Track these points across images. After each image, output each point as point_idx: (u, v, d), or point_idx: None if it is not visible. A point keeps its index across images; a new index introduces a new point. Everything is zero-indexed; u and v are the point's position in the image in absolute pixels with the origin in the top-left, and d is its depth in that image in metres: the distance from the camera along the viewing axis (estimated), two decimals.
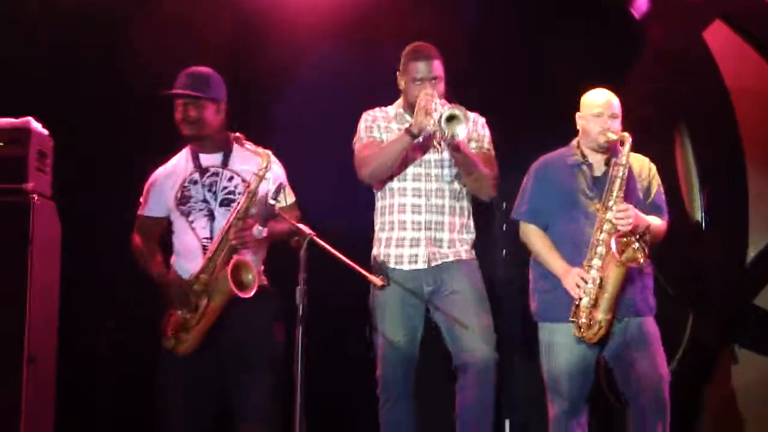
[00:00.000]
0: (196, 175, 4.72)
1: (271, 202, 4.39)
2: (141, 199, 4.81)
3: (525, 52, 6.19)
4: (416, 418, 4.77)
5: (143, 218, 4.80)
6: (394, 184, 4.78)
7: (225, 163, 4.73)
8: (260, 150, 4.61)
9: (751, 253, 6.38)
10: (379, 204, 4.86)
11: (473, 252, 4.83)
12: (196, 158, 4.75)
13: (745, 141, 6.39)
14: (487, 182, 4.75)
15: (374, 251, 4.83)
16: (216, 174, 4.71)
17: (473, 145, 4.77)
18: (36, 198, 5.06)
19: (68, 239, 5.30)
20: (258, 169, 4.57)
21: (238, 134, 4.63)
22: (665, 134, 6.28)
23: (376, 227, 4.87)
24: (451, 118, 4.45)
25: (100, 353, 5.86)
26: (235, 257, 4.49)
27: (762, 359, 6.23)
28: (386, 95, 4.94)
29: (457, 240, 4.76)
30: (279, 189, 4.45)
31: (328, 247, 4.23)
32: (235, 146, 4.73)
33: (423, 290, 4.71)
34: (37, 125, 5.22)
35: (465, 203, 4.84)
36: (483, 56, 6.11)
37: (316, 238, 4.23)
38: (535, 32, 6.19)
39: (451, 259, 4.73)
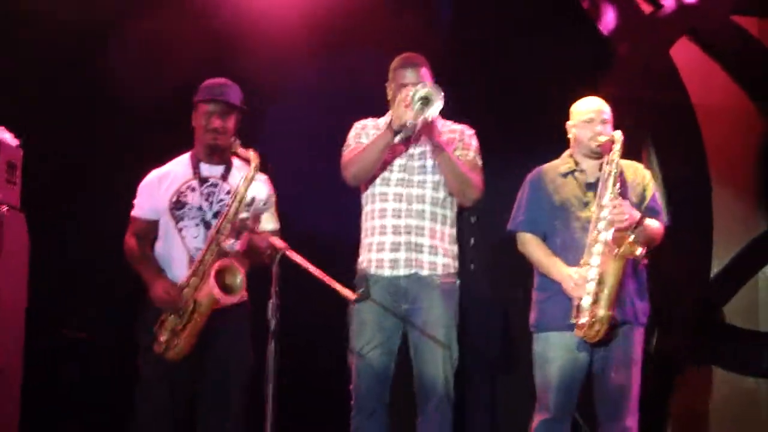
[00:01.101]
0: (195, 183, 4.69)
1: (243, 215, 4.37)
2: (135, 201, 4.75)
3: (500, 64, 6.22)
4: None
5: (137, 220, 4.74)
6: (377, 189, 4.78)
7: (225, 177, 4.72)
8: (250, 153, 4.56)
9: (716, 268, 6.45)
10: (364, 210, 4.86)
11: (455, 265, 4.80)
12: (196, 166, 4.72)
13: (710, 156, 6.47)
14: (470, 184, 4.71)
15: (360, 258, 4.82)
16: (215, 185, 4.69)
17: (458, 152, 4.76)
18: (4, 209, 5.02)
19: (37, 250, 5.25)
20: (247, 172, 4.55)
21: (234, 138, 4.60)
22: (631, 149, 6.26)
23: (362, 234, 4.86)
24: (425, 102, 4.46)
25: (68, 366, 5.80)
26: (220, 260, 4.45)
27: (726, 374, 6.29)
28: (370, 102, 4.94)
29: (439, 247, 4.73)
30: (251, 202, 4.43)
31: (301, 261, 4.21)
32: (235, 161, 4.72)
33: (401, 306, 4.69)
34: (7, 136, 5.18)
35: (448, 212, 4.81)
36: (458, 69, 6.13)
37: (288, 253, 4.19)
38: (511, 42, 6.23)
39: (426, 271, 4.70)
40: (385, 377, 4.70)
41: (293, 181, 5.16)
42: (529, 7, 6.26)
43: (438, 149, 4.64)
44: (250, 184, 4.53)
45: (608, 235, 4.46)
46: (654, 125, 6.44)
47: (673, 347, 6.24)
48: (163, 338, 4.48)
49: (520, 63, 6.13)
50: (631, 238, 4.43)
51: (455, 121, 4.89)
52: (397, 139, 4.64)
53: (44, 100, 5.87)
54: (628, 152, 6.00)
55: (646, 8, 6.57)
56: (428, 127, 4.58)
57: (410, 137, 4.70)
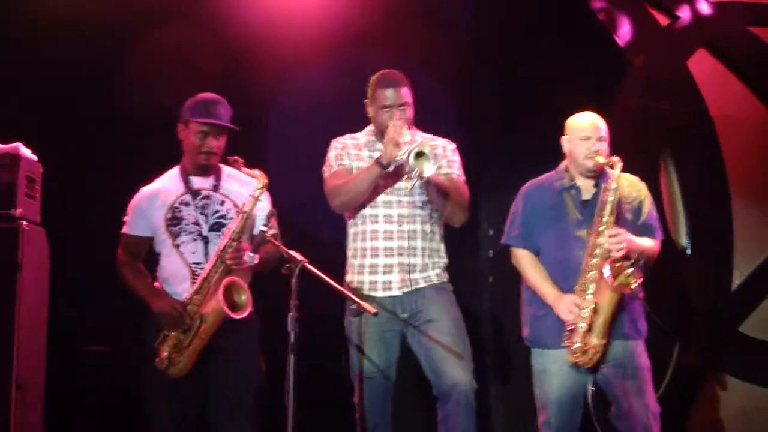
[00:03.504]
0: (188, 197, 4.68)
1: (262, 228, 4.39)
2: (125, 218, 4.74)
3: (514, 74, 6.22)
4: None
5: (129, 237, 4.72)
6: (366, 210, 4.78)
7: (216, 187, 4.71)
8: (256, 172, 4.58)
9: (737, 280, 6.42)
10: (351, 230, 4.86)
11: (446, 275, 4.82)
12: (186, 180, 4.71)
13: (728, 167, 6.43)
14: (459, 209, 4.76)
15: (348, 278, 4.82)
16: (207, 197, 4.69)
17: (443, 171, 4.77)
18: (24, 224, 5.06)
19: (57, 265, 5.28)
20: (254, 190, 4.56)
21: (236, 158, 4.59)
22: (650, 161, 6.30)
23: (349, 253, 4.86)
24: (419, 155, 4.45)
25: (88, 378, 5.82)
26: (228, 278, 4.46)
27: (747, 386, 6.25)
28: None
29: (429, 263, 4.76)
30: (269, 216, 4.45)
31: (320, 274, 4.22)
32: (224, 169, 4.72)
33: (399, 317, 4.70)
34: (26, 151, 5.22)
35: (436, 227, 4.83)
36: (471, 78, 6.15)
37: (308, 265, 4.21)
38: (525, 53, 6.23)
39: (422, 285, 4.73)
40: (388, 391, 4.72)
41: (301, 189, 5.18)
42: (544, 18, 6.26)
43: (437, 195, 4.68)
44: (256, 203, 4.55)
45: (606, 266, 4.43)
46: (672, 137, 6.42)
47: (694, 359, 6.21)
48: (164, 354, 4.46)
49: (535, 74, 6.13)
50: (629, 271, 4.44)
51: (435, 134, 4.89)
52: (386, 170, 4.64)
53: (62, 113, 5.91)
54: (644, 165, 6.08)
55: (663, 20, 6.56)
56: (427, 180, 4.57)
57: (400, 167, 4.66)
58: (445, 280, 4.81)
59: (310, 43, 6.08)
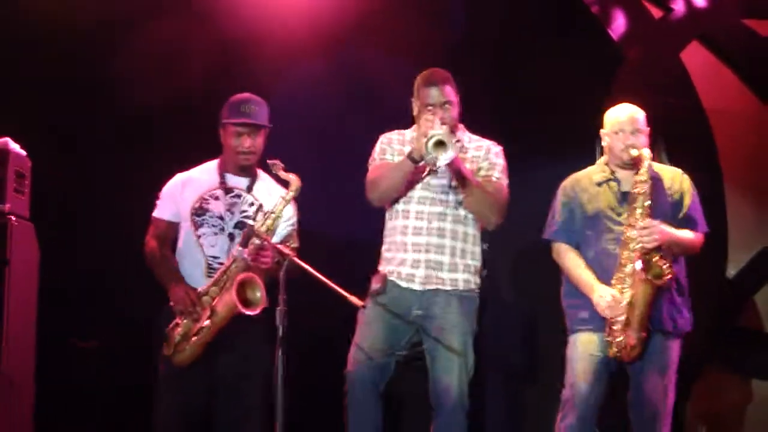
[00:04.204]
0: (219, 192, 4.71)
1: (250, 222, 4.38)
2: (158, 202, 4.76)
3: (511, 70, 6.21)
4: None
5: (158, 220, 4.75)
6: (400, 206, 4.78)
7: (250, 188, 4.74)
8: (291, 176, 4.59)
9: (731, 271, 6.40)
10: (387, 225, 4.87)
11: (476, 281, 4.78)
12: (222, 176, 4.74)
13: (722, 159, 6.42)
14: (487, 208, 4.71)
15: (379, 268, 4.82)
16: (239, 196, 4.72)
17: (481, 173, 4.75)
18: (13, 219, 5.04)
19: (46, 260, 5.26)
20: (286, 193, 4.59)
21: (276, 161, 4.57)
22: None
23: (383, 246, 4.86)
24: (439, 144, 4.43)
25: (79, 375, 5.81)
26: (243, 274, 4.46)
27: (743, 379, 6.24)
28: (381, 106, 4.93)
29: (459, 264, 4.73)
30: (257, 210, 4.44)
31: (308, 268, 4.20)
32: (260, 174, 4.76)
33: (411, 312, 4.68)
34: (15, 146, 5.21)
35: (470, 229, 4.78)
36: (468, 76, 6.12)
37: (295, 260, 4.20)
38: (519, 49, 6.22)
39: (448, 287, 4.70)
40: (383, 367, 4.65)
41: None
42: (538, 13, 6.25)
43: (461, 184, 4.64)
44: (287, 205, 4.58)
45: (638, 260, 4.44)
46: (665, 129, 6.38)
47: (690, 352, 6.19)
48: (174, 341, 4.49)
49: (530, 68, 6.12)
50: (661, 262, 4.43)
51: (482, 136, 4.88)
52: (418, 165, 4.62)
53: (52, 108, 5.90)
54: None
55: (657, 12, 6.54)
56: (450, 166, 4.55)
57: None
58: (473, 287, 4.77)
59: (304, 40, 6.09)
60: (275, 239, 4.59)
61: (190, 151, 4.89)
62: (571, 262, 4.70)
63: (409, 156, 4.57)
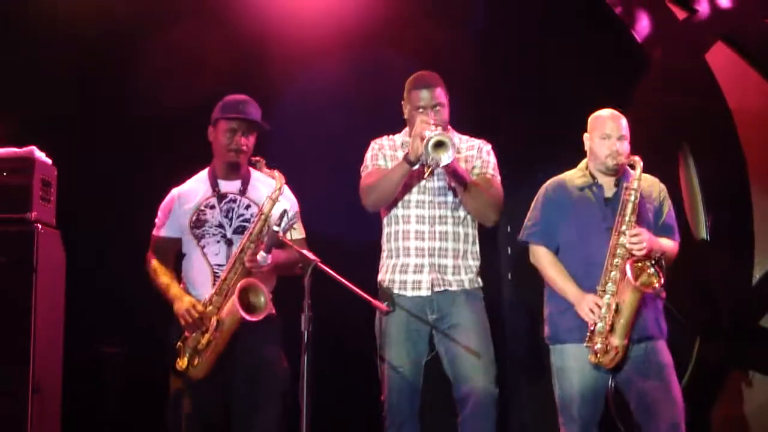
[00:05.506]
0: (214, 200, 4.68)
1: (275, 228, 4.36)
2: (156, 220, 4.75)
3: (530, 71, 6.20)
4: None
5: (160, 239, 4.73)
6: (399, 211, 4.76)
7: (243, 191, 4.71)
8: (275, 173, 4.59)
9: (757, 274, 6.37)
10: (385, 230, 4.85)
11: (479, 280, 4.78)
12: (214, 183, 4.71)
13: (748, 160, 6.40)
14: (486, 206, 4.70)
15: (380, 276, 4.81)
16: (234, 201, 4.68)
17: (475, 171, 4.75)
18: (40, 227, 5.07)
19: (73, 267, 5.29)
20: (271, 192, 4.56)
21: (259, 158, 4.60)
22: (669, 155, 6.27)
23: (383, 253, 4.85)
24: (438, 145, 4.43)
25: (106, 381, 5.82)
26: (244, 280, 4.44)
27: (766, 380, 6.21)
28: (392, 115, 4.92)
29: (462, 266, 4.73)
30: (282, 215, 4.42)
31: (332, 273, 4.20)
32: (253, 173, 4.73)
33: (427, 317, 4.68)
34: (40, 154, 5.25)
35: (470, 230, 4.79)
36: (487, 76, 6.12)
37: (320, 264, 4.19)
38: (540, 50, 6.20)
39: (454, 288, 4.70)
40: (415, 389, 4.67)
41: (316, 190, 5.18)
42: (561, 14, 6.24)
43: (459, 184, 4.63)
44: (274, 204, 4.53)
45: (627, 266, 4.40)
46: (691, 130, 6.38)
47: (715, 354, 6.17)
48: (185, 356, 4.46)
49: (551, 69, 6.10)
50: (651, 270, 4.41)
51: (472, 135, 4.87)
52: (414, 168, 4.60)
53: (76, 116, 5.93)
54: (664, 159, 6.04)
55: (681, 14, 6.52)
56: (447, 167, 4.53)
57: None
58: (477, 285, 4.77)
59: (321, 43, 6.10)
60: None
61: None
62: (551, 268, 4.65)
63: (406, 159, 4.56)
